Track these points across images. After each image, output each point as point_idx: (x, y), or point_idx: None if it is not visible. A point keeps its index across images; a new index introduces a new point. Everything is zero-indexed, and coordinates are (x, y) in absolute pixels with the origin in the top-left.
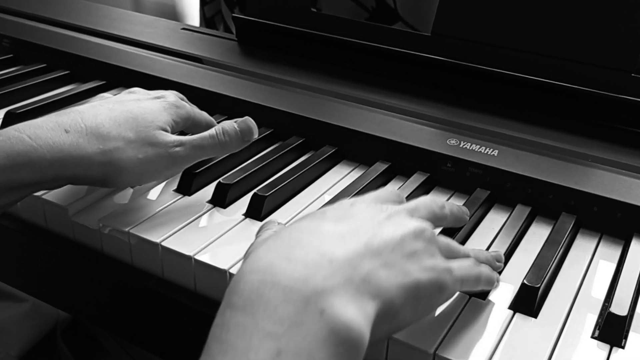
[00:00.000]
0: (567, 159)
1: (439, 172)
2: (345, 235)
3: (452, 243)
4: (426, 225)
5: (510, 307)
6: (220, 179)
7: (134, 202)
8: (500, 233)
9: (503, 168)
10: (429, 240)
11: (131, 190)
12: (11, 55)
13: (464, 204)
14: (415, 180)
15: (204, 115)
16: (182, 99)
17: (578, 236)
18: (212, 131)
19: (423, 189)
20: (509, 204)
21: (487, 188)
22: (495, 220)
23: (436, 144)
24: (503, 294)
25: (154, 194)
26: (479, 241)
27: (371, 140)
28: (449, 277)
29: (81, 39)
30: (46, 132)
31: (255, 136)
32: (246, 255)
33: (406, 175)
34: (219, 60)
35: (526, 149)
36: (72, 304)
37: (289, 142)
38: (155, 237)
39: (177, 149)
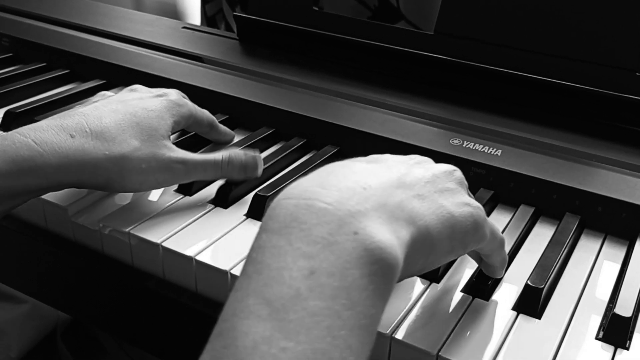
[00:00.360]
0: (571, 159)
1: None
2: (377, 170)
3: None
4: (456, 168)
5: (513, 308)
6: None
7: (135, 202)
8: (504, 233)
9: (506, 168)
10: (460, 182)
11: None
12: (10, 54)
13: None
14: None
15: (206, 113)
16: (184, 97)
17: (582, 236)
18: (217, 157)
19: None
20: (512, 204)
21: (490, 188)
22: (498, 220)
23: (439, 144)
24: (506, 294)
25: (154, 194)
26: None
27: (373, 140)
28: (483, 216)
29: (81, 38)
30: (52, 137)
31: (259, 175)
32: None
33: None
34: (220, 59)
35: (530, 149)
36: (72, 305)
37: (290, 142)
38: (155, 237)
39: (179, 166)
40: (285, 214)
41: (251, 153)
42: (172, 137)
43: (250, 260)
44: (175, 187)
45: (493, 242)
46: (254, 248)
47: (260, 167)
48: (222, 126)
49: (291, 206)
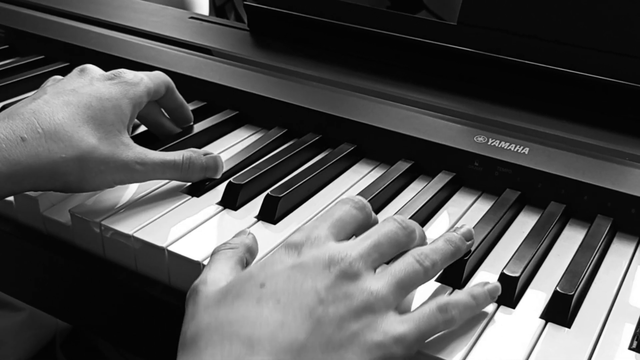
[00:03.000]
0: (603, 157)
1: (466, 172)
2: (277, 339)
3: (408, 274)
4: (371, 289)
5: (542, 317)
6: (230, 179)
7: (138, 203)
8: (530, 236)
9: (534, 167)
10: (373, 310)
11: (134, 191)
12: (7, 46)
13: (492, 206)
14: (440, 180)
15: (160, 77)
16: (136, 73)
17: (615, 240)
18: (177, 158)
19: (448, 190)
20: (540, 206)
21: (517, 189)
22: (525, 223)
23: (462, 141)
24: (534, 302)
25: (159, 194)
26: (507, 246)
27: (393, 138)
28: (400, 351)
29: (82, 29)
30: (0, 142)
31: (219, 176)
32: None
33: (430, 175)
34: (230, 51)
35: (559, 147)
36: (72, 313)
37: (304, 139)
38: (161, 241)
39: (138, 166)
40: None
41: (212, 154)
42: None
43: None
44: (183, 187)
45: (435, 332)
46: None
47: (221, 169)
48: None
49: None
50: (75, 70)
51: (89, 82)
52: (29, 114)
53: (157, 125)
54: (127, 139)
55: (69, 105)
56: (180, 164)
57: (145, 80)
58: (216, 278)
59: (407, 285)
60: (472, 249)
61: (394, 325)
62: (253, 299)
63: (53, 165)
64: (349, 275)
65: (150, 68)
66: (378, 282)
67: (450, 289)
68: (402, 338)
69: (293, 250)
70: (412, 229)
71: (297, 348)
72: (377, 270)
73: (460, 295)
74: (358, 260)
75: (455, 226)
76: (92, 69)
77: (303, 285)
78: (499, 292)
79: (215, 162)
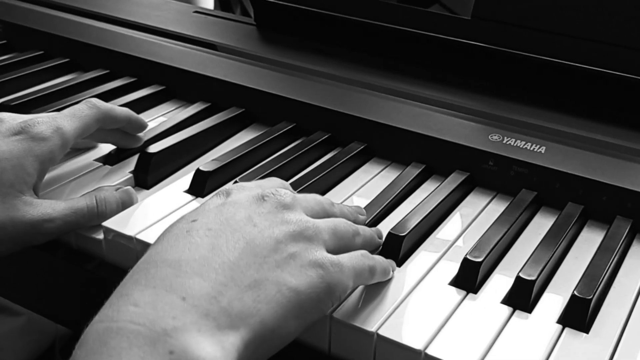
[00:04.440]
0: (623, 157)
1: (480, 171)
2: (207, 258)
3: (339, 226)
4: (308, 219)
5: (559, 322)
6: (236, 179)
7: (141, 205)
8: (547, 238)
9: (551, 167)
10: (310, 238)
11: (137, 189)
12: (5, 41)
13: (507, 207)
14: (454, 180)
15: (84, 120)
16: (54, 120)
17: (634, 242)
18: (91, 201)
19: (462, 190)
20: (557, 207)
21: (533, 189)
22: (542, 224)
23: (477, 140)
24: (551, 306)
25: (162, 195)
26: (523, 248)
27: (404, 136)
28: (337, 275)
29: (82, 23)
30: None
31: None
32: None
33: (443, 174)
34: (236, 46)
35: (577, 146)
36: (72, 317)
37: (313, 137)
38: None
39: (46, 225)
40: (95, 340)
41: (122, 187)
42: None
43: None
44: (186, 187)
45: (361, 279)
46: None
47: (136, 198)
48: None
49: (101, 330)
50: None
51: None
52: None
53: (113, 143)
54: (30, 197)
55: None
56: (95, 208)
57: (56, 135)
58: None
59: (340, 234)
60: (487, 251)
61: (328, 256)
62: (183, 231)
63: None
64: (285, 205)
65: (153, 64)
66: (315, 220)
67: (465, 292)
68: (339, 263)
69: (223, 194)
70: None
71: (229, 268)
72: None
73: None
74: (292, 198)
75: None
76: (6, 120)
77: (236, 215)
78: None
79: (129, 196)
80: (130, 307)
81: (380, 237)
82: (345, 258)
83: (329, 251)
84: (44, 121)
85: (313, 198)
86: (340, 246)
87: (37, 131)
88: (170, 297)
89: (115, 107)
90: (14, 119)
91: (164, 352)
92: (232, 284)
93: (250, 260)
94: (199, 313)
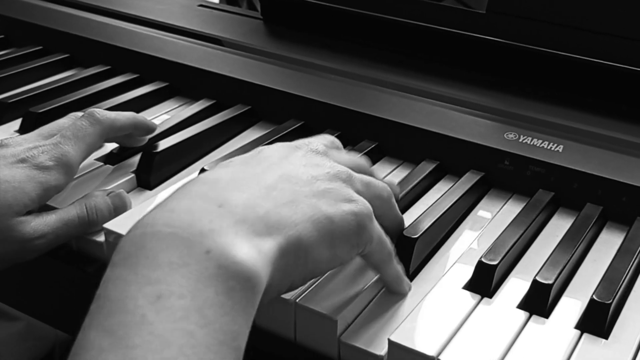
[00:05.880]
0: None
1: (495, 171)
2: (244, 179)
3: (373, 182)
4: (341, 166)
5: (577, 327)
6: None
7: (143, 204)
8: (565, 240)
9: (569, 166)
10: (345, 180)
11: (139, 190)
12: (2, 36)
13: (523, 208)
14: (468, 180)
15: (88, 146)
16: (59, 147)
17: None
18: (81, 210)
19: (477, 191)
20: (575, 208)
21: (550, 189)
22: (559, 226)
23: (492, 139)
24: (569, 311)
25: (165, 194)
26: (540, 251)
27: (416, 134)
28: (368, 219)
29: (82, 17)
30: None
31: (128, 209)
32: None
33: (457, 174)
34: (242, 41)
35: (596, 144)
36: (72, 323)
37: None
38: None
39: (37, 242)
40: (131, 245)
41: (113, 191)
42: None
43: (94, 297)
44: None
45: (381, 251)
46: (100, 285)
47: (130, 203)
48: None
49: (137, 236)
50: None
51: None
52: None
53: (116, 142)
54: (23, 217)
55: None
56: (86, 216)
57: (60, 164)
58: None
59: (372, 190)
60: (503, 254)
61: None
62: (220, 166)
63: None
64: (319, 152)
65: (156, 59)
66: (348, 169)
67: (479, 297)
68: (371, 212)
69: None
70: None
71: (265, 187)
72: None
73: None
74: (325, 147)
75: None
76: (10, 146)
77: (271, 157)
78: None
79: (122, 200)
80: (165, 213)
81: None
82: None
83: None
84: (47, 150)
85: (348, 155)
86: (369, 195)
87: (40, 161)
88: (206, 204)
89: (119, 116)
90: (19, 144)
91: (200, 252)
92: (269, 198)
93: (287, 186)
94: (235, 219)
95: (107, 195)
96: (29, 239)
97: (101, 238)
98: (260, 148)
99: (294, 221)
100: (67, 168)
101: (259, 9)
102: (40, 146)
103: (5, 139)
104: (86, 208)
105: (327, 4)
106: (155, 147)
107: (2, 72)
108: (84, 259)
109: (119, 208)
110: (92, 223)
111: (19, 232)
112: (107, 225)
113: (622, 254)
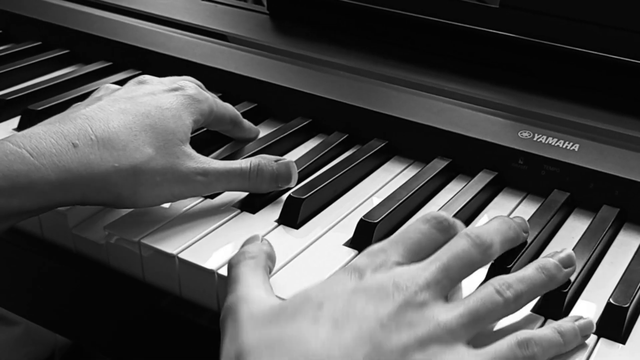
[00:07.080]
0: None
1: (509, 171)
2: (322, 356)
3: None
4: (443, 319)
5: (593, 331)
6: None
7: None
8: (581, 242)
9: (585, 165)
10: (445, 341)
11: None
12: (0, 31)
13: (538, 209)
14: (481, 180)
15: (228, 109)
16: (202, 89)
17: None
18: (244, 166)
19: (490, 191)
20: (591, 209)
21: (566, 189)
22: (575, 227)
23: (505, 137)
24: (585, 315)
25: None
26: None
27: (428, 133)
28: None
29: (83, 12)
30: (50, 147)
31: (293, 185)
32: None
33: (470, 174)
34: (247, 37)
35: (613, 143)
36: (72, 327)
37: (330, 135)
38: (171, 247)
39: (199, 177)
40: None
41: (283, 160)
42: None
43: None
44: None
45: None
46: None
47: (295, 177)
48: (246, 121)
49: None
50: (133, 80)
51: (149, 91)
52: (81, 119)
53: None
54: (188, 149)
55: (126, 113)
56: (248, 172)
57: (210, 99)
58: (256, 295)
59: (481, 318)
60: (517, 257)
61: None
62: (309, 318)
63: (105, 175)
64: (413, 304)
65: (159, 55)
66: (448, 313)
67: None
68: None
69: (356, 273)
70: (488, 244)
71: None
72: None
73: (544, 331)
74: (424, 289)
75: (555, 250)
76: (152, 79)
77: (364, 310)
78: (593, 329)
79: (287, 169)
80: None
81: (570, 265)
82: (489, 355)
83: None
84: (193, 87)
85: (458, 263)
86: (485, 325)
87: (191, 92)
88: None
89: (221, 103)
90: (159, 81)
91: None
92: None
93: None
94: None
95: (275, 161)
96: (193, 171)
97: (102, 240)
98: (358, 280)
99: None
100: (210, 108)
101: (265, 3)
102: (187, 82)
103: (144, 76)
104: (250, 164)
105: None
106: None
107: (0, 68)
108: (84, 261)
109: (281, 178)
110: (252, 182)
111: (185, 163)
112: (108, 226)
113: None
